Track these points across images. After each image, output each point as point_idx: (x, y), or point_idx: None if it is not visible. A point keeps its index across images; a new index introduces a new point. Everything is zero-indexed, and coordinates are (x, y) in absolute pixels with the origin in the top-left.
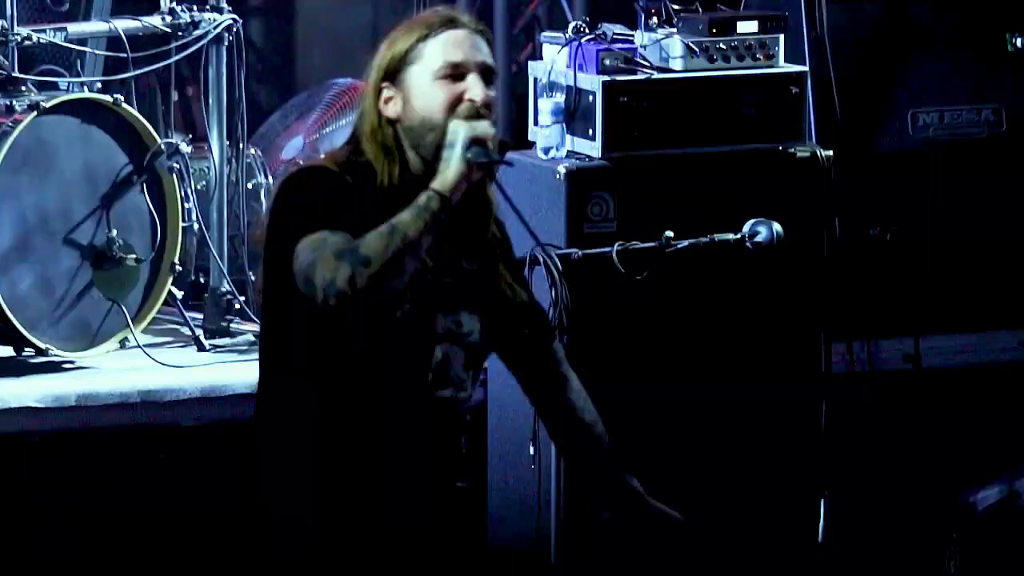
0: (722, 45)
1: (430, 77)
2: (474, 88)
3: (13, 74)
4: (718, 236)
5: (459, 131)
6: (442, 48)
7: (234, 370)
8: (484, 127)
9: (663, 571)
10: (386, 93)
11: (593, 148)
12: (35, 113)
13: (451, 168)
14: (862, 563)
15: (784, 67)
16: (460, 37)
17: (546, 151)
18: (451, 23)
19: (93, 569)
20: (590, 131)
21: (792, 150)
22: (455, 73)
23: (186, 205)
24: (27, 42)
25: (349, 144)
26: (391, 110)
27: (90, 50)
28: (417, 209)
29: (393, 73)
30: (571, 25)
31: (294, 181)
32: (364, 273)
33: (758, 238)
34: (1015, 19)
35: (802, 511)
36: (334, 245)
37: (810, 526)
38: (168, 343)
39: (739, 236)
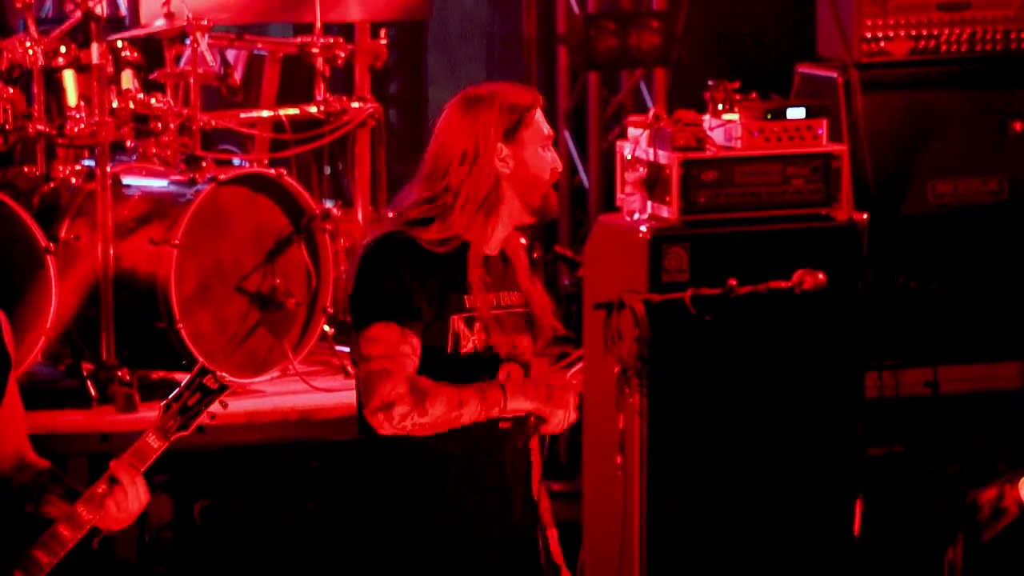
0: (776, 128)
1: (538, 143)
2: (557, 161)
3: (196, 152)
4: (772, 284)
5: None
6: (541, 120)
7: None
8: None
9: (739, 570)
10: (504, 151)
11: (669, 212)
12: (214, 184)
13: (521, 406)
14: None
15: (826, 146)
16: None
17: (631, 214)
18: (539, 100)
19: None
20: (666, 198)
21: (832, 213)
22: (547, 144)
23: (337, 259)
24: (207, 127)
25: (436, 208)
26: (505, 168)
27: (258, 132)
28: (483, 407)
29: (509, 134)
30: (651, 111)
31: (382, 251)
32: (417, 423)
33: (804, 286)
34: (1016, 105)
35: (840, 513)
36: (408, 375)
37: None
38: (320, 372)
39: (789, 284)
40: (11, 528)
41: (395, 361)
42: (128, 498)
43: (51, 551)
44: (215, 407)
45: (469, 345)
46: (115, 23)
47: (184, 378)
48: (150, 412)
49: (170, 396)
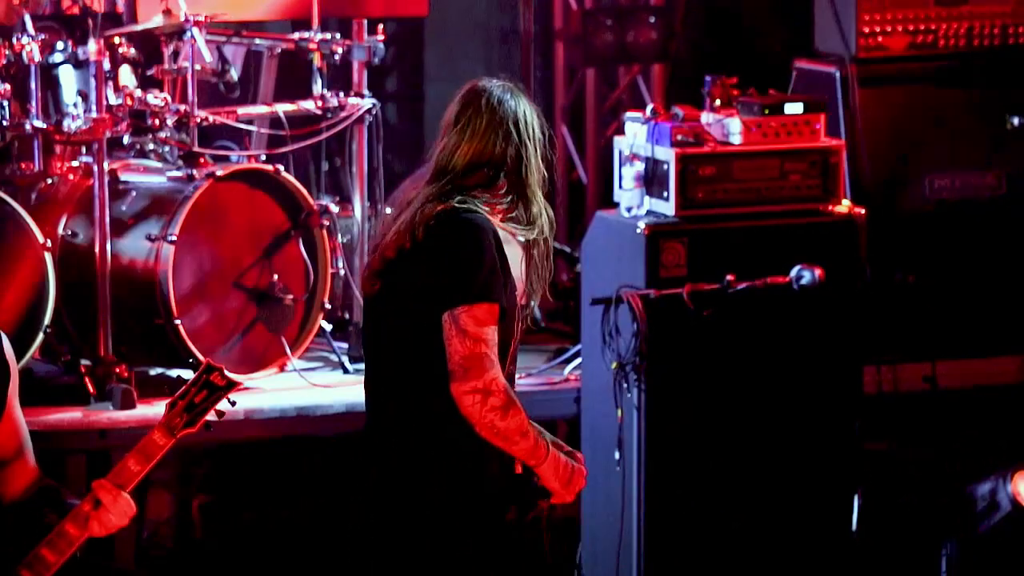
0: (773, 123)
1: None
2: None
3: (194, 149)
4: (770, 279)
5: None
6: None
7: None
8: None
9: (738, 564)
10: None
11: (667, 207)
12: (211, 180)
13: (548, 477)
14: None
15: (824, 141)
16: None
17: (628, 210)
18: None
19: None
20: (664, 193)
21: (830, 208)
22: None
23: (334, 255)
24: (205, 123)
25: (505, 197)
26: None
27: (256, 128)
28: (534, 451)
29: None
30: (649, 107)
31: (473, 235)
32: (496, 422)
33: (803, 281)
34: (1013, 101)
35: (838, 508)
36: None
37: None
38: (319, 367)
39: (787, 279)
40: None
41: (495, 350)
42: (111, 516)
43: (58, 550)
44: (223, 404)
45: (517, 336)
46: (113, 19)
47: (191, 374)
48: (148, 408)
49: (176, 393)
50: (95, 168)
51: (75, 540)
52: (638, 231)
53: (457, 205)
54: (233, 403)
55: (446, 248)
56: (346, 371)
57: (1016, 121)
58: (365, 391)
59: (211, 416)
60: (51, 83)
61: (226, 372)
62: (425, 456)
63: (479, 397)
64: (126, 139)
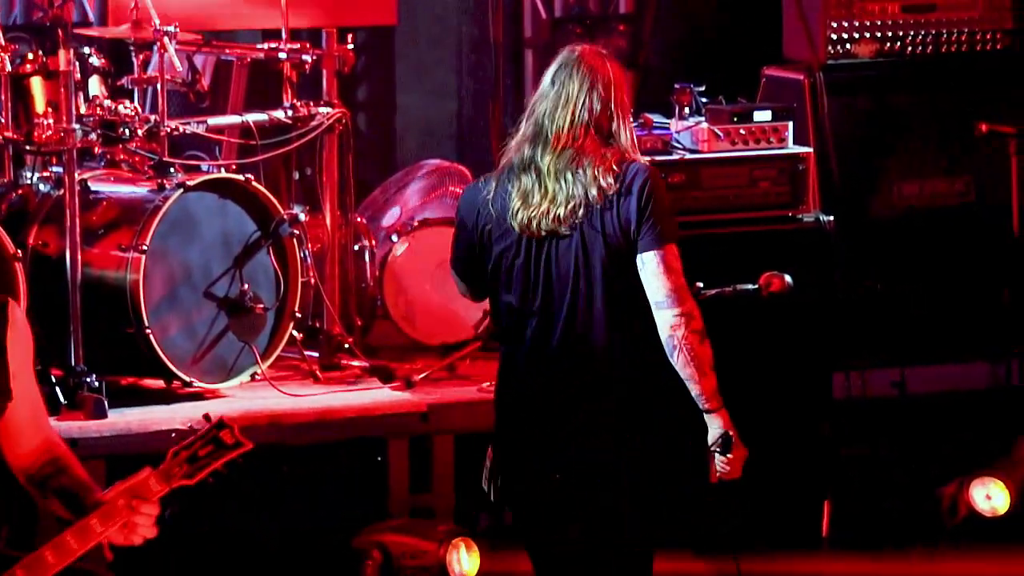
0: (742, 131)
1: None
2: None
3: (164, 158)
4: (739, 286)
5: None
6: None
7: (343, 398)
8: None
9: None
10: None
11: None
12: (181, 190)
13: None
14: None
15: (792, 148)
16: None
17: None
18: None
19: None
20: None
21: (799, 215)
22: None
23: (305, 264)
24: (175, 133)
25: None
26: None
27: (226, 138)
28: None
29: None
30: None
31: (661, 183)
32: (692, 345)
33: (772, 288)
34: (981, 107)
35: (809, 513)
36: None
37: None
38: (289, 376)
39: (756, 286)
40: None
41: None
42: (118, 537)
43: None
44: (227, 462)
45: None
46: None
47: (160, 383)
48: (119, 417)
49: (182, 443)
50: (66, 178)
51: (74, 552)
52: None
53: (634, 157)
54: (241, 461)
55: (647, 195)
56: (317, 380)
57: (984, 127)
58: (535, 328)
59: (212, 471)
60: (21, 93)
61: (237, 431)
62: (644, 374)
63: (684, 320)
64: (97, 149)
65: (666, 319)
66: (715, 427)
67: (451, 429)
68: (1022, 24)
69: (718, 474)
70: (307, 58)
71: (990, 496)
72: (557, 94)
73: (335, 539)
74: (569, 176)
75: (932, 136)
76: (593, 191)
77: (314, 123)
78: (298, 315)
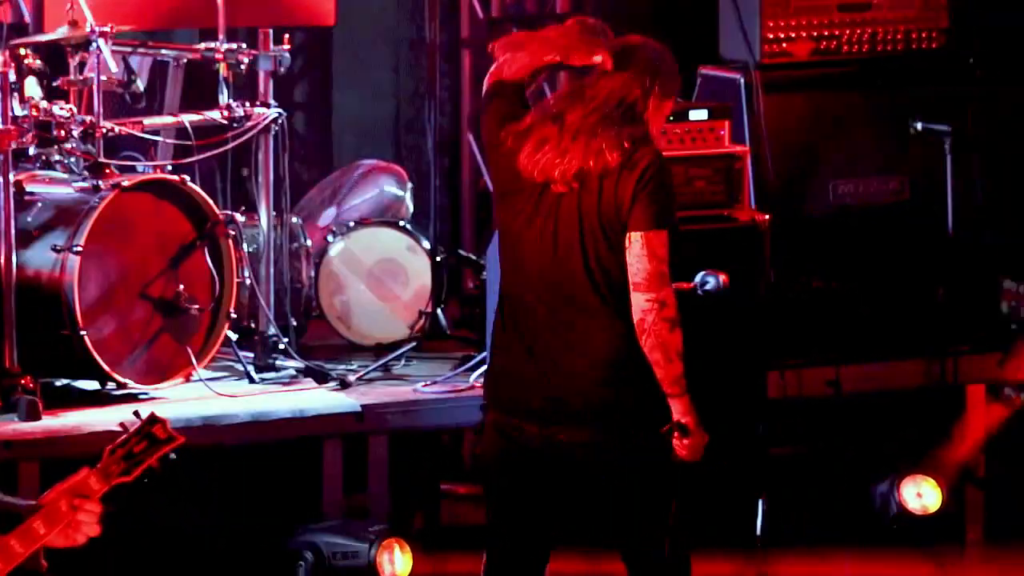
0: (678, 129)
1: None
2: None
3: (99, 159)
4: (674, 285)
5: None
6: None
7: (278, 399)
8: None
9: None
10: None
11: None
12: (117, 191)
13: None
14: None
15: (729, 147)
16: None
17: None
18: None
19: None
20: None
21: (735, 214)
22: None
23: (240, 264)
24: (111, 133)
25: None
26: None
27: (162, 139)
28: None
29: None
30: None
31: (667, 170)
32: (661, 333)
33: (707, 287)
34: (916, 106)
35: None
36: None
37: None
38: (225, 377)
39: (691, 285)
40: None
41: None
42: (60, 538)
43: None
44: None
45: None
46: (19, 30)
47: (96, 385)
48: (54, 420)
49: (117, 440)
50: (0, 179)
51: (19, 556)
52: None
53: (650, 141)
54: (175, 456)
55: (648, 177)
56: (252, 381)
57: (919, 126)
58: (517, 277)
59: (147, 467)
60: None
61: (168, 426)
62: (621, 340)
63: (657, 305)
64: (32, 150)
65: (639, 301)
66: (675, 412)
67: (386, 429)
68: (957, 23)
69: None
70: (243, 59)
71: (921, 494)
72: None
73: (269, 540)
74: (584, 139)
75: (867, 135)
76: (596, 160)
77: (250, 123)
78: (233, 316)
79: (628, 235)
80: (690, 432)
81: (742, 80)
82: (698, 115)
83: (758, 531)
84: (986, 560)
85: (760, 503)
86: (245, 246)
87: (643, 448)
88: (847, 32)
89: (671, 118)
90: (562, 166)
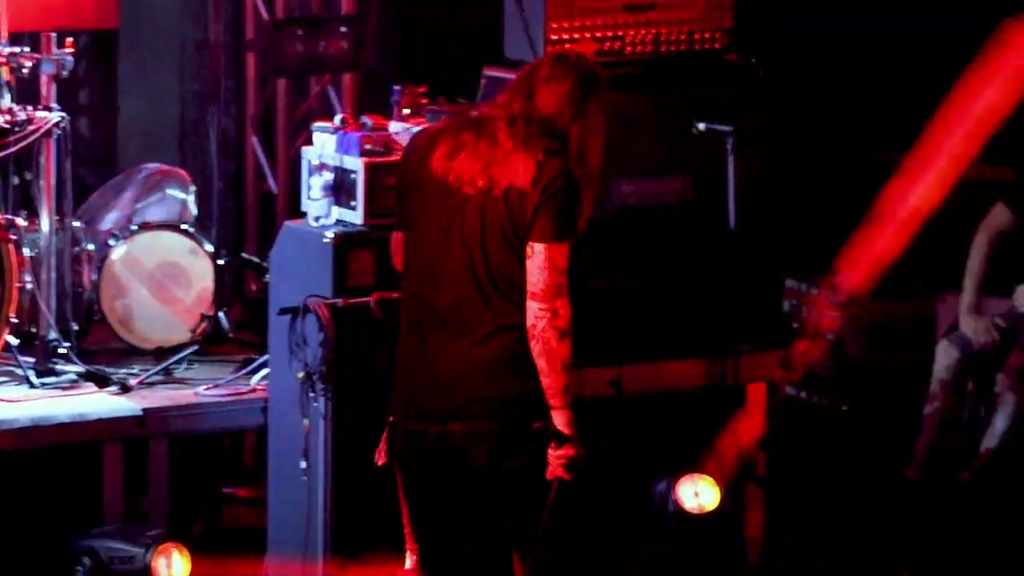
0: None
1: None
2: None
3: None
4: None
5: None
6: None
7: (59, 403)
8: None
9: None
10: None
11: (355, 216)
12: None
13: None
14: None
15: None
16: None
17: (316, 219)
18: None
19: None
20: (353, 203)
21: None
22: None
23: (21, 269)
24: None
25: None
26: None
27: None
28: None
29: None
30: (338, 117)
31: (575, 184)
32: (552, 341)
33: None
34: (699, 105)
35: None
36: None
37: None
38: (5, 382)
39: None
40: None
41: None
42: None
43: None
44: None
45: None
46: None
47: None
48: None
49: None
50: None
51: None
52: (325, 240)
53: (563, 155)
54: None
55: (554, 191)
56: (32, 386)
57: (702, 126)
58: (421, 273)
59: None
60: None
61: None
62: (509, 346)
63: (549, 315)
64: None
65: (534, 309)
66: (557, 424)
67: (166, 433)
68: (740, 23)
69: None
70: (26, 63)
71: (698, 493)
72: (532, 78)
73: (49, 545)
74: (501, 148)
75: (651, 135)
76: (508, 169)
77: (31, 127)
78: (14, 320)
79: (531, 245)
80: (566, 443)
81: None
82: None
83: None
84: None
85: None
86: (26, 250)
87: (533, 442)
88: (631, 33)
89: None
90: (475, 171)
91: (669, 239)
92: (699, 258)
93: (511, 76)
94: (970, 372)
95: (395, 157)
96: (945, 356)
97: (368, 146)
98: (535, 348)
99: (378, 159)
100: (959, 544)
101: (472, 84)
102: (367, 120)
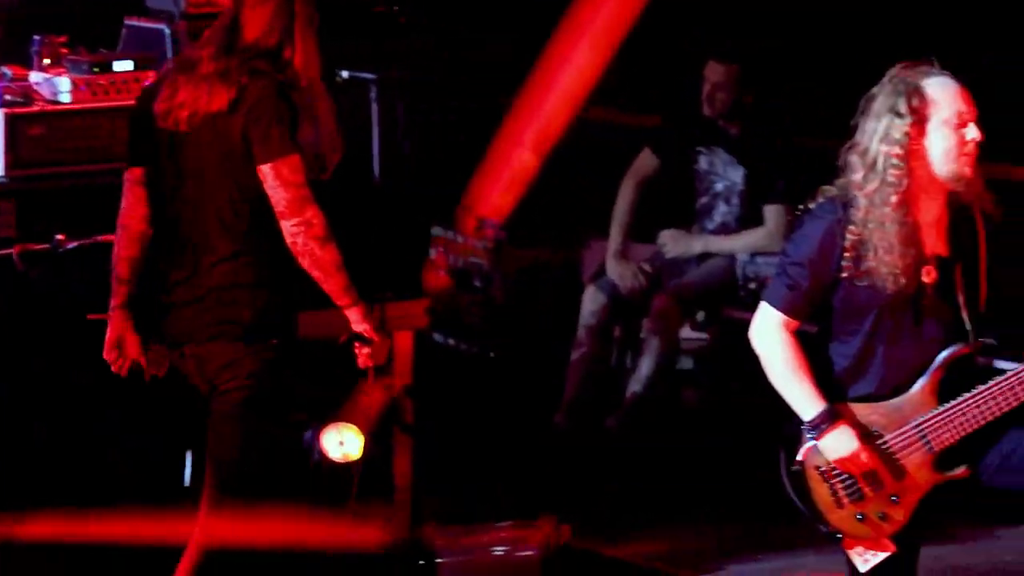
0: (103, 81)
1: None
2: None
3: None
4: (101, 237)
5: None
6: None
7: None
8: None
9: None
10: None
11: None
12: None
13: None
14: None
15: None
16: None
17: None
18: None
19: None
20: None
21: None
22: None
23: None
24: None
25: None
26: None
27: None
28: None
29: None
30: None
31: (286, 97)
32: (322, 269)
33: None
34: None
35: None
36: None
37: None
38: None
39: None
40: None
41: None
42: None
43: None
44: None
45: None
46: None
47: None
48: None
49: None
50: None
51: None
52: None
53: (267, 75)
54: None
55: (263, 109)
56: None
57: (345, 74)
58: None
59: None
60: None
61: None
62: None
63: (303, 228)
64: None
65: (287, 227)
66: (351, 322)
67: None
68: None
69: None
70: None
71: (343, 442)
72: (238, 5)
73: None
74: (207, 80)
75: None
76: (217, 98)
77: None
78: None
79: (259, 169)
80: (369, 339)
81: (167, 30)
82: (123, 66)
83: (186, 482)
84: None
85: (188, 455)
86: None
87: (254, 365)
88: None
89: (96, 68)
90: (190, 108)
91: (312, 188)
92: (344, 207)
93: (153, 26)
94: (616, 318)
95: (36, 107)
96: (591, 302)
97: (8, 96)
98: (304, 263)
99: (19, 109)
100: (605, 490)
101: (114, 33)
102: (7, 70)
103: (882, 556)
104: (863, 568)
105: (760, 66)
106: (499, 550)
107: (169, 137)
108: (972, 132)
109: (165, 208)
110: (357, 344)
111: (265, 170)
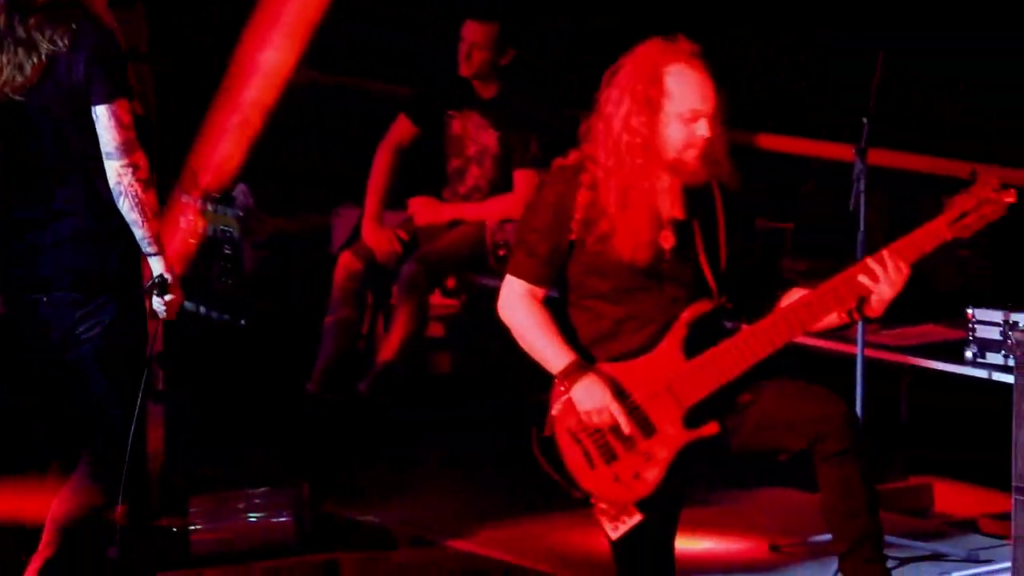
0: None
1: None
2: None
3: None
4: None
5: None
6: None
7: None
8: None
9: None
10: None
11: None
12: None
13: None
14: None
15: None
16: None
17: None
18: None
19: None
20: None
21: None
22: None
23: None
24: None
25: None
26: None
27: None
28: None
29: None
30: None
31: (114, 39)
32: (141, 212)
33: None
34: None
35: None
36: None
37: None
38: None
39: None
40: None
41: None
42: None
43: None
44: None
45: None
46: None
47: None
48: None
49: None
50: None
51: None
52: None
53: (92, 20)
54: None
55: (94, 52)
56: None
57: None
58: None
59: None
60: None
61: None
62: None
63: (131, 169)
64: None
65: (113, 168)
66: (156, 269)
67: None
68: None
69: (160, 315)
70: None
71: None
72: None
73: None
74: (26, 40)
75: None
76: (43, 54)
77: None
78: None
79: (93, 110)
80: (169, 289)
81: None
82: None
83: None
84: None
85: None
86: None
87: (114, 313)
88: None
89: None
90: (18, 72)
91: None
92: None
93: None
94: (369, 284)
95: None
96: (346, 268)
97: None
98: (125, 204)
99: None
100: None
101: None
102: None
103: (632, 522)
104: (614, 535)
105: (521, 27)
106: (254, 516)
107: (17, 107)
108: (702, 129)
109: (12, 156)
110: (156, 293)
111: (99, 111)
